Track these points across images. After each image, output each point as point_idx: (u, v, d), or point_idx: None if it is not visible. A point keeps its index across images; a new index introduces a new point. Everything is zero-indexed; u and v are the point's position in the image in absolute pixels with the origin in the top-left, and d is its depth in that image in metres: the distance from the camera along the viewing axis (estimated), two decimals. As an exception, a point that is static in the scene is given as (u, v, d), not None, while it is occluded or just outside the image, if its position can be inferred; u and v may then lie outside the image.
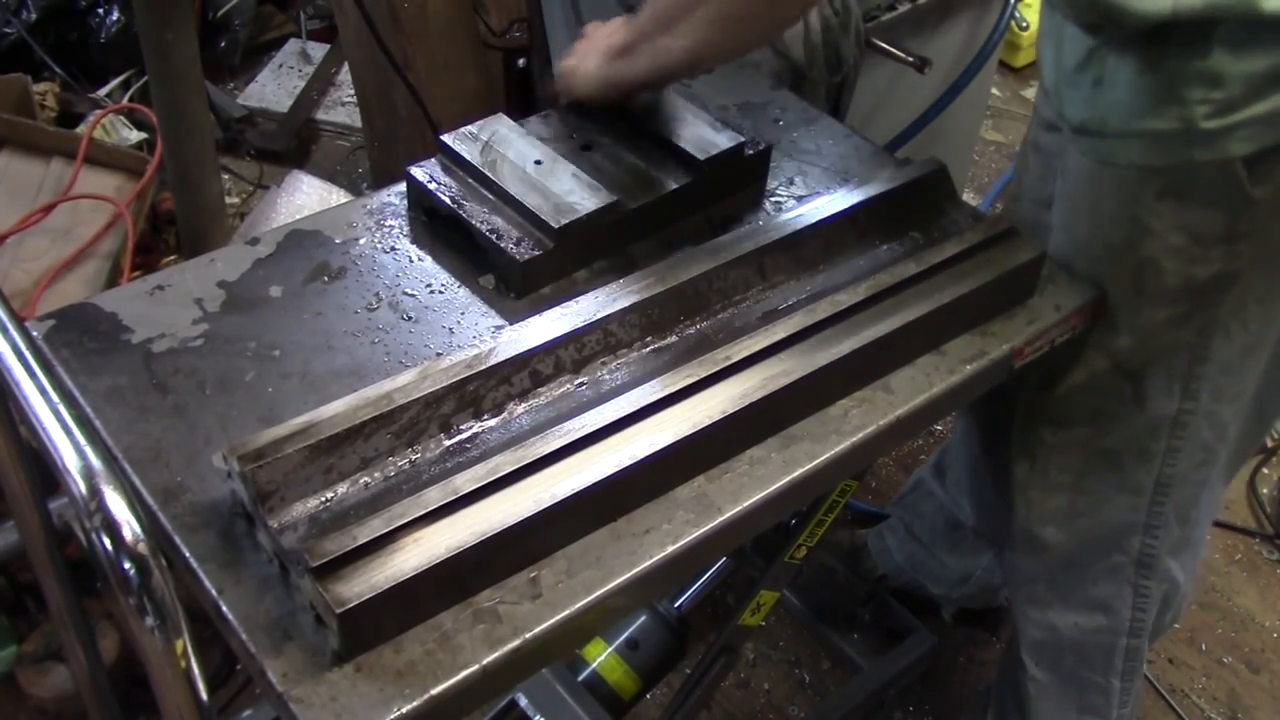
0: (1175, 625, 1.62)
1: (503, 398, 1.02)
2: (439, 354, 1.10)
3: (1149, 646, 1.60)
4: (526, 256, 1.16)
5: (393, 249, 1.22)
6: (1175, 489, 1.40)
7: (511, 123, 1.28)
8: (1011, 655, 1.72)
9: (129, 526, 0.74)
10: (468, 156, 1.23)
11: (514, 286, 1.18)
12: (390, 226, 1.25)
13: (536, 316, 1.07)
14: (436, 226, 1.24)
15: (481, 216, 1.19)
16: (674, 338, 1.12)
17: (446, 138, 1.25)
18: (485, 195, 1.21)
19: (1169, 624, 1.62)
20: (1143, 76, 1.14)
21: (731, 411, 1.01)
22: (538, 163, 1.23)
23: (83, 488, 0.74)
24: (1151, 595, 1.51)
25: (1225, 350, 1.27)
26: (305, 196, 2.46)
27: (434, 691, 0.85)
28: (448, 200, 1.20)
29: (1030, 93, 3.27)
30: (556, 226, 1.16)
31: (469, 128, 1.26)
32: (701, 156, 1.28)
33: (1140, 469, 1.39)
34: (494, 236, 1.17)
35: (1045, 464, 1.43)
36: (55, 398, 0.80)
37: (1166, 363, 1.29)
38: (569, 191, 1.20)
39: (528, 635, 0.89)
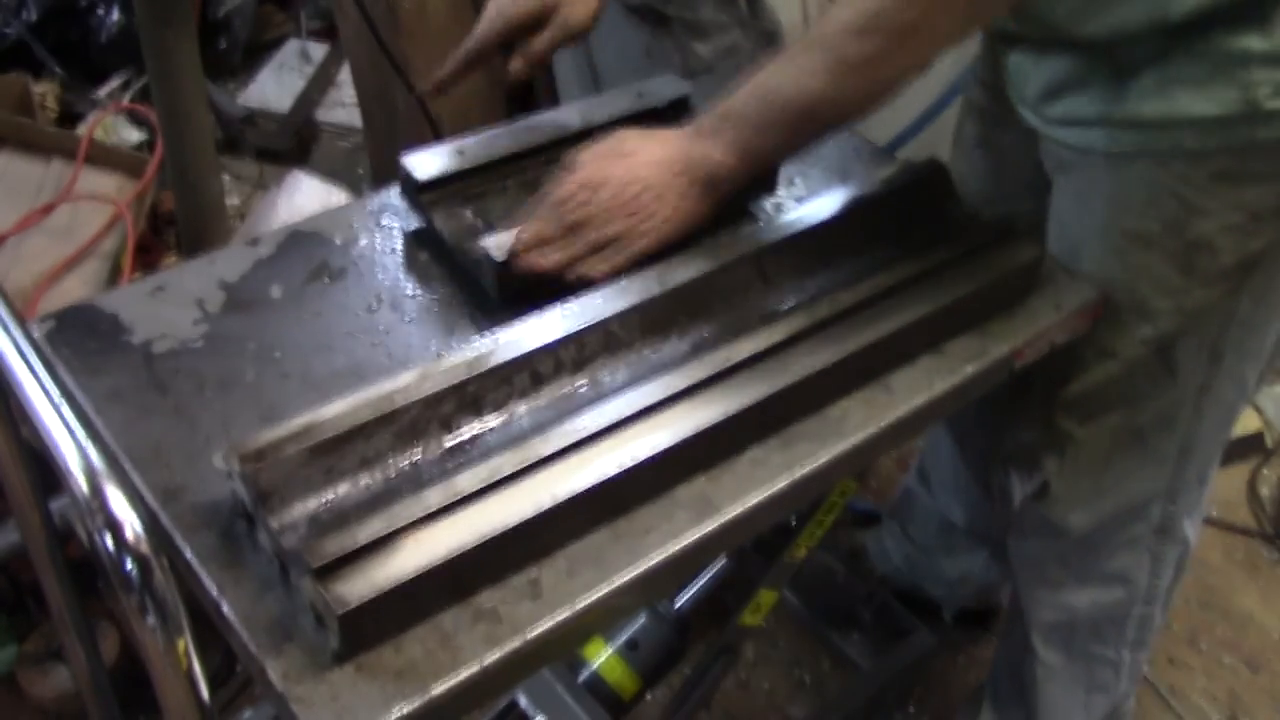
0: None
1: (503, 398, 1.02)
2: (440, 354, 1.10)
3: (1161, 615, 1.59)
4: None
5: (393, 249, 1.22)
6: (1198, 451, 1.39)
7: None
8: (1013, 643, 1.70)
9: (131, 525, 0.74)
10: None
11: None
12: (390, 226, 1.25)
13: (537, 317, 1.07)
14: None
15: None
16: (674, 338, 1.12)
17: None
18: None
19: (1178, 587, 1.59)
20: (1182, 63, 1.11)
21: (732, 412, 1.01)
22: None
23: (84, 486, 0.74)
24: (1167, 560, 1.50)
25: (1250, 310, 1.27)
26: (305, 196, 2.46)
27: (434, 691, 0.85)
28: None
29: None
30: None
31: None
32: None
33: (1165, 438, 1.38)
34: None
35: (1075, 456, 1.41)
36: (57, 397, 0.80)
37: (1198, 332, 1.28)
38: None
39: (528, 635, 0.89)
